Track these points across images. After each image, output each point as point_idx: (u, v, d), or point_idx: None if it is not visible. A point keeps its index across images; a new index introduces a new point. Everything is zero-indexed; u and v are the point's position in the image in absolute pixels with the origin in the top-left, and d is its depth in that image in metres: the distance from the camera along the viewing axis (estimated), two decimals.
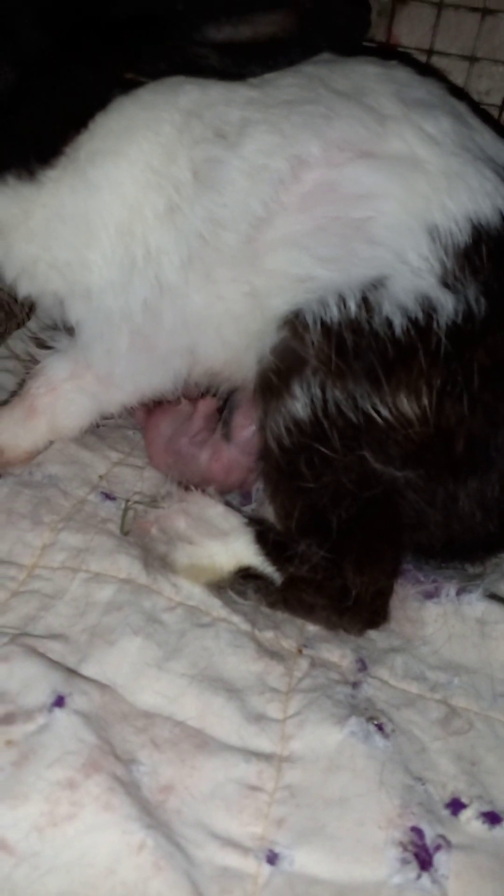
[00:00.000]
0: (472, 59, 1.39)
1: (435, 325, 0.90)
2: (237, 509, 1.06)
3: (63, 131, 0.99)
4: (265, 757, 0.81)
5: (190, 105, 1.00)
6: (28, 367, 1.33)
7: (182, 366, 1.09)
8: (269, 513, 1.01)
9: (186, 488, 1.06)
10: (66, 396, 1.12)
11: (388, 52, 1.34)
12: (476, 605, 1.00)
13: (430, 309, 0.90)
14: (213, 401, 1.13)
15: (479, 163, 0.99)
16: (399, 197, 0.95)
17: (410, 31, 1.41)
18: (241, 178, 0.98)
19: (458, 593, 1.01)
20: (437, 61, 1.40)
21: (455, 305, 0.91)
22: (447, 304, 0.91)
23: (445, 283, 0.92)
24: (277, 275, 0.98)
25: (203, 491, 1.04)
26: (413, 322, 0.90)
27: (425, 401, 0.90)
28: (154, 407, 1.19)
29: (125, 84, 0.99)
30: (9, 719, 0.76)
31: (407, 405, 0.91)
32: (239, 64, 0.97)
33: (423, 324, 0.90)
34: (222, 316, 1.03)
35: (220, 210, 0.99)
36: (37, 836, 0.69)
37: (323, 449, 0.92)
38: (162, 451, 1.15)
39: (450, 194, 0.95)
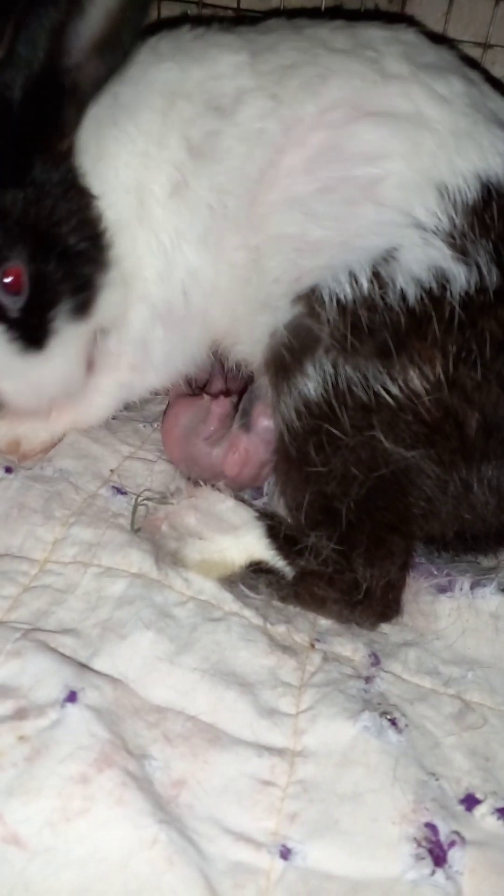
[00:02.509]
0: (486, 46, 1.38)
1: (448, 294, 0.89)
2: (249, 503, 1.06)
3: (82, 224, 0.97)
4: (278, 751, 0.80)
5: (172, 86, 1.01)
6: None
7: (200, 335, 1.10)
8: (279, 505, 1.00)
9: (196, 483, 1.05)
10: (102, 391, 1.13)
11: (396, 18, 1.32)
12: (490, 599, 1.00)
13: (443, 280, 0.90)
14: (227, 401, 1.12)
15: (490, 123, 0.98)
16: (404, 155, 0.94)
17: (422, 18, 1.40)
18: (237, 143, 0.99)
19: (472, 587, 1.01)
20: None
21: (467, 276, 0.90)
22: (460, 275, 0.90)
23: (454, 245, 0.91)
24: (275, 237, 0.99)
25: (213, 485, 1.04)
26: (427, 292, 0.89)
27: (439, 369, 0.89)
28: (179, 396, 1.19)
29: (66, 154, 0.96)
30: (21, 715, 0.76)
31: (417, 380, 0.90)
32: (118, 51, 0.93)
33: (437, 294, 0.90)
34: (230, 283, 1.04)
35: (220, 177, 1.00)
36: (50, 832, 0.69)
37: (333, 430, 0.91)
38: (178, 444, 1.14)
39: (459, 152, 0.94)
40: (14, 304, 0.93)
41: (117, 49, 0.92)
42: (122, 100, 1.00)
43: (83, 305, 0.99)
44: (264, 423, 1.06)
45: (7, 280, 0.92)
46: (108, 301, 1.01)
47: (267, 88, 1.00)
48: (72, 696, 0.78)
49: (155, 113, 1.01)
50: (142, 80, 1.00)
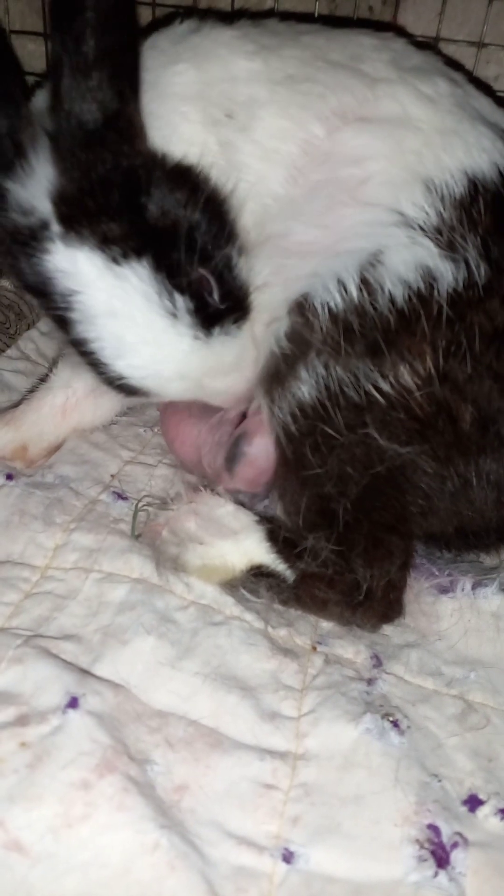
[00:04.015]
0: (480, 45, 1.37)
1: (436, 293, 0.90)
2: (249, 507, 1.06)
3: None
4: (280, 755, 0.80)
5: (194, 88, 1.00)
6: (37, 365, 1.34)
7: None
8: (277, 509, 1.00)
9: (196, 488, 1.05)
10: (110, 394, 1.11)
11: (383, 27, 1.33)
12: (492, 599, 0.99)
13: (430, 278, 0.90)
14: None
15: (475, 121, 0.99)
16: (388, 155, 0.95)
17: (416, 19, 1.40)
18: (256, 162, 1.00)
19: (474, 587, 1.00)
20: (444, 48, 1.38)
21: (455, 273, 0.90)
22: (447, 273, 0.90)
23: (441, 241, 0.91)
24: (265, 237, 0.99)
25: (213, 490, 1.04)
26: (415, 292, 0.90)
27: (429, 363, 0.89)
28: (182, 410, 1.18)
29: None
30: (23, 721, 0.76)
31: (408, 375, 0.90)
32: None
33: (425, 293, 0.90)
34: None
35: (242, 187, 0.99)
36: (52, 838, 0.69)
37: (328, 429, 0.91)
38: (194, 452, 1.13)
39: (445, 149, 0.95)
40: (215, 295, 0.93)
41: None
42: (151, 108, 0.96)
43: (236, 235, 0.96)
44: (260, 440, 1.05)
45: (205, 286, 0.91)
46: (244, 215, 0.99)
47: (283, 106, 1.00)
48: (73, 702, 0.78)
49: (194, 125, 0.99)
50: (158, 86, 0.98)
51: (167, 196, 0.89)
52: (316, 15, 1.40)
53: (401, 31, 1.27)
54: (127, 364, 0.92)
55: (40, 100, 0.94)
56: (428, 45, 1.19)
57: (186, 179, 0.92)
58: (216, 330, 0.93)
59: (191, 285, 0.90)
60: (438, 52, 1.18)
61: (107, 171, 0.88)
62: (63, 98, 0.87)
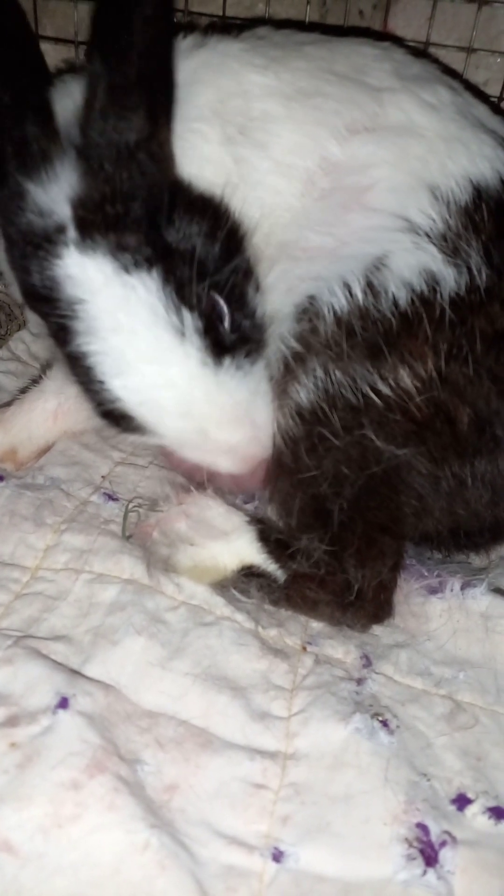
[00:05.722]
0: (470, 50, 1.38)
1: (439, 297, 0.90)
2: (240, 508, 1.06)
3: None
4: (270, 755, 0.81)
5: (209, 105, 1.00)
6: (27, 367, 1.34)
7: None
8: (270, 511, 1.01)
9: (186, 489, 1.05)
10: None
11: (382, 36, 1.34)
12: (481, 600, 1.00)
13: (433, 283, 0.91)
14: None
15: (477, 129, 1.01)
16: (392, 162, 0.96)
17: (406, 24, 1.41)
18: (272, 177, 1.00)
19: (463, 588, 1.01)
20: (433, 53, 1.39)
21: (457, 278, 0.91)
22: (450, 277, 0.91)
23: (445, 247, 0.92)
24: (277, 245, 0.99)
25: (204, 491, 1.04)
26: (418, 295, 0.90)
27: (430, 365, 0.90)
28: None
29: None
30: (13, 721, 0.76)
31: (407, 378, 0.90)
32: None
33: (427, 296, 0.90)
34: None
35: (257, 204, 0.99)
36: (42, 838, 0.69)
37: (325, 432, 0.91)
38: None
39: (449, 156, 0.96)
40: (226, 325, 0.90)
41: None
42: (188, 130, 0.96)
43: (252, 270, 0.95)
44: None
45: (215, 311, 0.89)
46: (258, 233, 0.98)
47: (298, 122, 1.00)
48: (63, 703, 0.78)
49: (213, 144, 0.99)
50: (187, 104, 0.97)
51: (189, 223, 0.89)
52: (307, 21, 1.40)
53: (397, 40, 1.28)
54: (123, 384, 0.89)
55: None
56: (424, 53, 1.20)
57: (209, 211, 0.92)
58: (226, 360, 0.90)
59: (200, 304, 0.87)
60: (435, 61, 1.19)
61: (133, 186, 0.87)
62: (98, 115, 0.87)
